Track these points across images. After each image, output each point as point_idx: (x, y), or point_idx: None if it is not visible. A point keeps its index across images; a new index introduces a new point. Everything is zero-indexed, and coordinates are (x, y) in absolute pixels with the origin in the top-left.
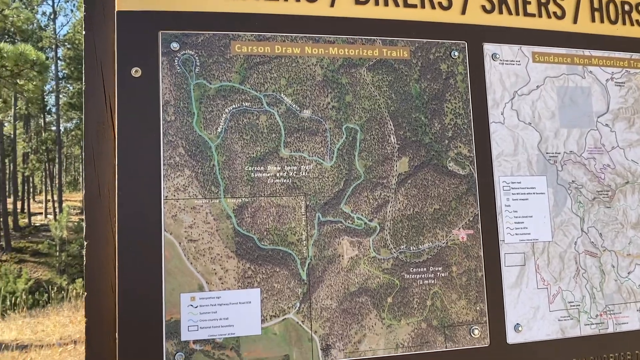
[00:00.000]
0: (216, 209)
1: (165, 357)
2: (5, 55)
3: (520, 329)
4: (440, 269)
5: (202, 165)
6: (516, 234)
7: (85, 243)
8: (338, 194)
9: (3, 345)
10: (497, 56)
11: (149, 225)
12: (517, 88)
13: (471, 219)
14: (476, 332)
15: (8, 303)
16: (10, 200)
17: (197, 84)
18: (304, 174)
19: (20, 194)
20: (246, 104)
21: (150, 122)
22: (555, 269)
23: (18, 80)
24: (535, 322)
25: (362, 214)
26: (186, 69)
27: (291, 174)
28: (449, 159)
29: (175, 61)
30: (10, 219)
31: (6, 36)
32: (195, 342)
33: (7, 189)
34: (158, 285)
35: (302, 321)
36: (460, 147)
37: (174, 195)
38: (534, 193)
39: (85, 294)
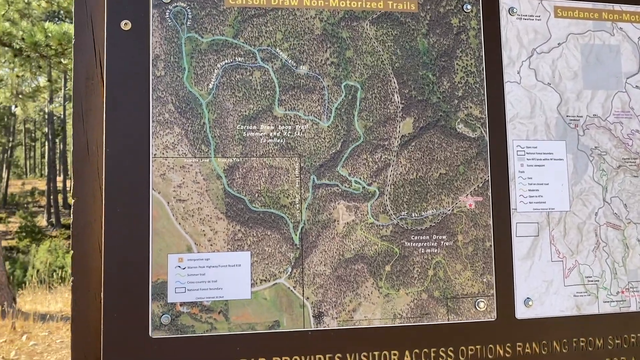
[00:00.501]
0: (206, 169)
1: (151, 318)
2: (50, 34)
3: (530, 303)
4: (444, 237)
5: (192, 123)
6: (530, 203)
7: (72, 201)
8: (335, 155)
9: (48, 316)
10: (515, 10)
11: (136, 184)
12: (536, 45)
13: (480, 185)
14: (482, 305)
15: (56, 277)
16: (60, 178)
17: (188, 37)
18: (298, 134)
19: (70, 172)
20: (239, 59)
21: (139, 77)
22: (573, 241)
23: (62, 60)
24: (548, 296)
25: (360, 178)
26: (177, 22)
27: (285, 133)
28: (458, 120)
29: (167, 14)
30: (60, 197)
31: (56, 18)
32: (182, 304)
33: (57, 168)
34: (145, 246)
35: (293, 287)
36: (471, 107)
37: (163, 154)
38: (551, 159)
39: (72, 252)
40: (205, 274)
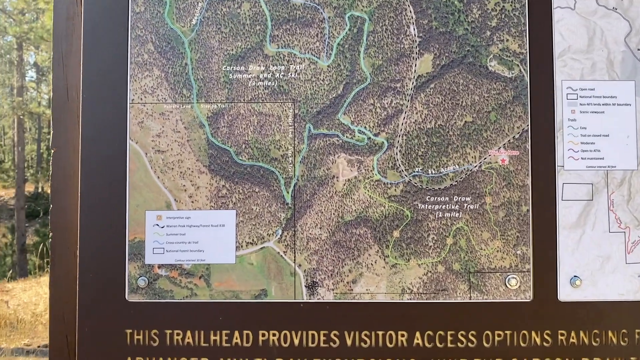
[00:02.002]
0: (187, 116)
1: (127, 280)
2: None
3: (578, 283)
4: (468, 199)
5: (173, 64)
6: (582, 159)
7: (52, 150)
8: (335, 100)
9: None
10: None
11: (113, 133)
12: None
13: (517, 136)
14: (514, 282)
15: None
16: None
17: None
18: (293, 75)
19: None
20: None
21: (117, 14)
22: (639, 209)
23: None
24: (603, 276)
25: (365, 127)
26: None
27: (278, 75)
28: (491, 56)
29: None
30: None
31: None
32: (160, 266)
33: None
34: (122, 201)
35: (283, 252)
36: (507, 40)
37: (141, 99)
38: (613, 104)
39: (51, 206)
40: (185, 234)
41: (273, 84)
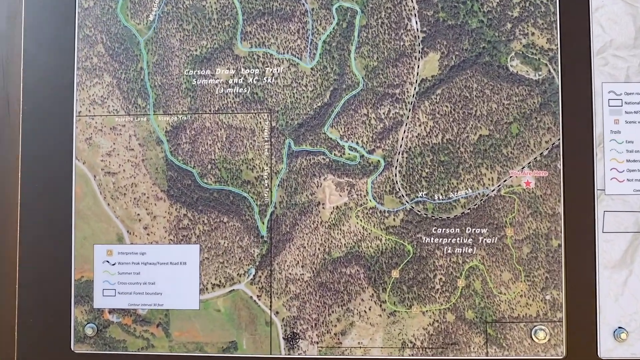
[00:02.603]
0: (143, 130)
1: (73, 327)
2: None
3: (623, 336)
4: (484, 231)
5: (126, 69)
6: (629, 180)
7: None
8: (321, 110)
9: None
10: None
11: (57, 151)
12: None
13: (545, 153)
14: (542, 334)
15: None
16: None
17: None
18: (269, 80)
19: None
20: None
21: (63, 10)
22: None
23: None
24: None
25: (357, 142)
26: None
27: (251, 80)
28: (513, 54)
29: None
30: None
31: None
32: (111, 311)
33: None
34: (67, 232)
35: (257, 296)
36: (533, 34)
37: (89, 111)
38: None
39: None
40: (140, 272)
41: (245, 90)
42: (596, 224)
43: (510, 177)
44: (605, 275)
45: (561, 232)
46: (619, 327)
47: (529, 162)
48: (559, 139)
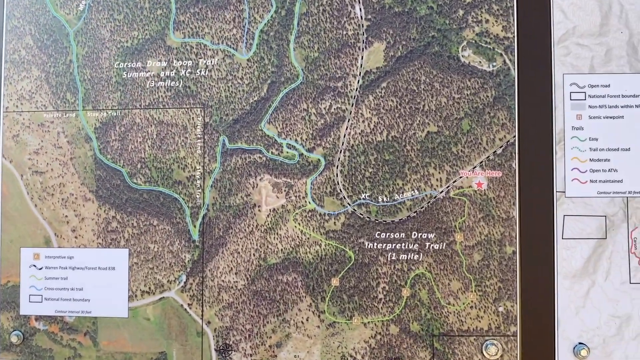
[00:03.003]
0: (71, 127)
1: None
2: None
3: (584, 353)
4: (432, 236)
5: (55, 62)
6: (592, 182)
7: None
8: (258, 105)
9: None
10: None
11: None
12: None
13: (499, 151)
14: (494, 350)
15: None
16: None
17: None
18: (203, 72)
19: None
20: None
21: None
22: None
23: None
24: (620, 343)
25: (296, 140)
26: None
27: (183, 72)
28: (464, 43)
29: None
30: None
31: None
32: (37, 318)
33: None
34: None
35: (188, 304)
36: (487, 21)
37: (17, 106)
38: (637, 106)
39: None
40: (67, 277)
41: (177, 84)
42: (555, 230)
43: (461, 177)
44: (564, 286)
45: (516, 238)
46: (580, 343)
47: (481, 162)
48: (515, 136)
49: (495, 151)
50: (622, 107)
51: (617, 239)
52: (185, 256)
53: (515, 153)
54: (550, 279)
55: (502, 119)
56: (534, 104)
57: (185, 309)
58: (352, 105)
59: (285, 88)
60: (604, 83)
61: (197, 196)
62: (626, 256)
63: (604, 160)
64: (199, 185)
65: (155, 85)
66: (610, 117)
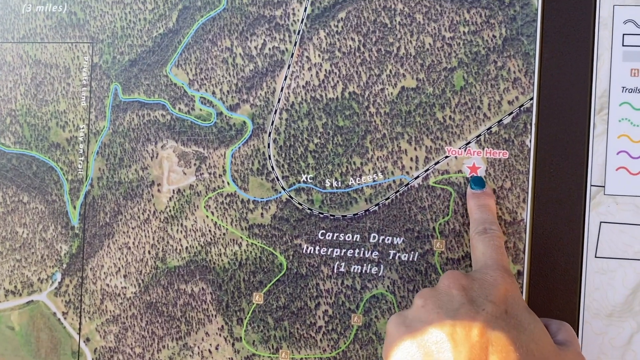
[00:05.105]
0: None
1: None
2: None
3: None
4: (399, 241)
5: None
6: None
7: None
8: (163, 41)
9: None
10: None
11: None
12: None
13: (508, 120)
14: None
15: None
16: None
17: None
18: None
19: None
20: None
21: None
22: None
23: None
24: None
25: (214, 92)
26: None
27: None
28: None
29: None
30: None
31: None
32: None
33: None
34: None
35: (63, 312)
36: None
37: None
38: None
39: None
40: None
41: (60, 9)
42: (585, 244)
43: (447, 157)
44: (595, 329)
45: (524, 252)
46: None
47: (479, 135)
48: (532, 99)
49: (501, 120)
50: None
51: None
52: (61, 247)
53: (531, 124)
54: (572, 316)
55: (514, 72)
56: (565, 51)
57: (59, 319)
58: (295, 45)
59: (203, 17)
60: None
61: (79, 166)
62: None
63: None
64: (81, 151)
65: (32, 10)
66: None
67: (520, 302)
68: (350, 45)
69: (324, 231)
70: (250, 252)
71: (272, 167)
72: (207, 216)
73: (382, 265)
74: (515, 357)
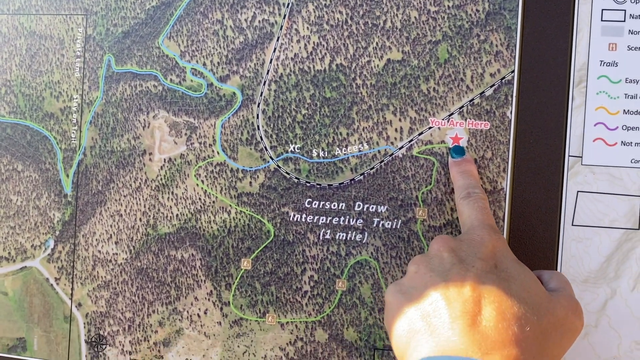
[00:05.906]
0: None
1: None
2: None
3: None
4: (383, 209)
5: None
6: (624, 144)
7: None
8: (156, 13)
9: None
10: None
11: None
12: None
13: (490, 92)
14: None
15: None
16: None
17: None
18: None
19: None
20: None
21: None
22: None
23: None
24: None
25: (205, 64)
26: None
27: None
28: None
29: None
30: None
31: None
32: None
33: None
34: None
35: (56, 278)
36: None
37: None
38: None
39: None
40: None
41: None
42: (563, 212)
43: (430, 128)
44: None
45: (504, 220)
46: None
47: (462, 107)
48: (513, 71)
49: (483, 92)
50: None
51: None
52: (54, 214)
53: (512, 96)
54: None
55: (496, 46)
56: (545, 25)
57: (52, 285)
58: (284, 18)
59: None
60: None
61: (73, 135)
62: None
63: None
64: (75, 121)
65: None
66: None
67: (508, 255)
68: (338, 18)
69: (310, 199)
70: (239, 219)
71: (261, 137)
72: (197, 184)
73: (366, 233)
74: (508, 305)
